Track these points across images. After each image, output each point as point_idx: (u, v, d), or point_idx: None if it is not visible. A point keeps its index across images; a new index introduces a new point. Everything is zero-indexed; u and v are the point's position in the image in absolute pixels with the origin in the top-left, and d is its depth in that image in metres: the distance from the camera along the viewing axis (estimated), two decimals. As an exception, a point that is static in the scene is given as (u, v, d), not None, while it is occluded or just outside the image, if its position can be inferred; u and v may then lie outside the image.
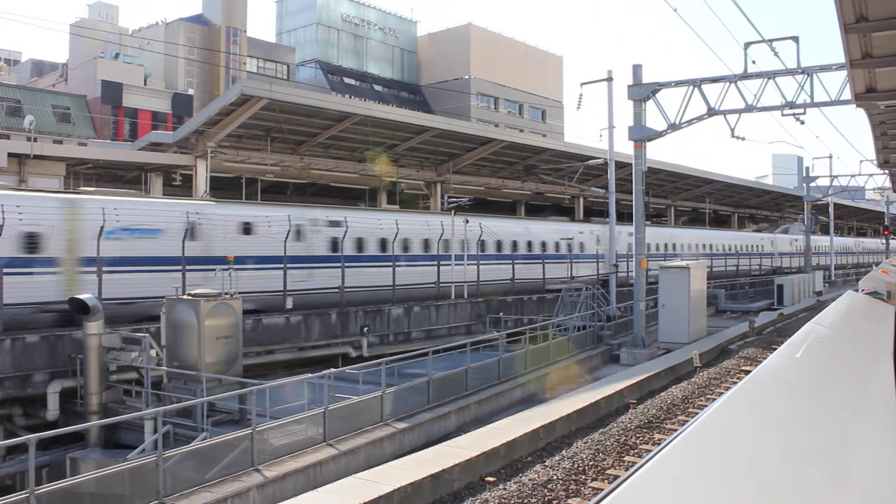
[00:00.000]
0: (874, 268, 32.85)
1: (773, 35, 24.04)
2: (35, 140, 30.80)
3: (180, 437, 15.31)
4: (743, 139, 26.72)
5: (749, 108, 24.34)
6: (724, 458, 4.45)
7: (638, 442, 14.63)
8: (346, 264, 25.55)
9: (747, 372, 20.49)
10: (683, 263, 29.38)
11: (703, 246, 53.15)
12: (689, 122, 25.10)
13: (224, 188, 33.52)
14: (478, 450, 13.38)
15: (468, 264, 30.63)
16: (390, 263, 27.19)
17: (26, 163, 27.36)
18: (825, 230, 71.90)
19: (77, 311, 17.39)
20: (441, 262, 29.50)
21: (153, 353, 17.31)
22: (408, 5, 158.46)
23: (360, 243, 27.51)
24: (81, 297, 17.30)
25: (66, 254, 20.04)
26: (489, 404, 19.07)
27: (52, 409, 17.62)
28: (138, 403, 17.56)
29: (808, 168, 58.60)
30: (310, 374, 16.06)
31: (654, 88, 25.62)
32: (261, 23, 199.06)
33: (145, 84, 54.44)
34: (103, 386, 17.43)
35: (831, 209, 65.60)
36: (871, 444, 5.89)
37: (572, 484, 12.12)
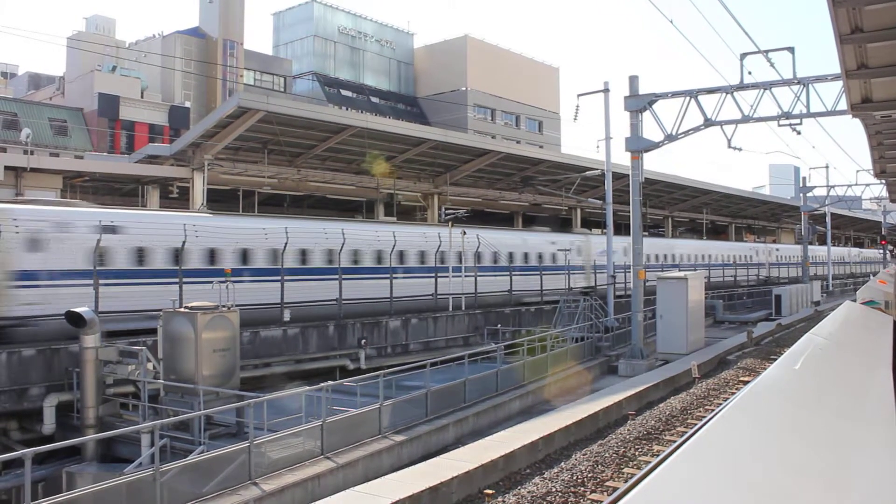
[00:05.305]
0: (871, 278, 32.89)
1: (768, 46, 24.22)
2: (32, 153, 30.80)
3: (177, 450, 15.24)
4: (740, 150, 26.83)
5: (745, 119, 24.41)
6: (725, 471, 4.43)
7: (637, 453, 14.58)
8: (344, 276, 25.51)
9: (746, 383, 20.49)
10: (681, 274, 29.37)
11: (701, 256, 53.10)
12: (686, 133, 25.17)
13: (221, 200, 33.50)
14: (476, 462, 13.33)
15: (466, 276, 30.59)
16: (388, 275, 27.13)
17: (23, 176, 27.34)
18: (822, 240, 72.06)
19: (73, 325, 17.31)
20: (439, 274, 29.45)
21: (150, 366, 17.24)
22: (404, 17, 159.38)
23: (357, 255, 27.47)
24: (78, 310, 17.24)
25: None
26: (487, 416, 19.02)
27: (49, 423, 17.53)
28: (135, 417, 17.49)
29: (804, 178, 58.78)
30: (307, 387, 16.00)
31: (651, 99, 25.69)
32: (258, 35, 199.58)
33: (142, 97, 54.49)
34: (100, 399, 17.35)
35: (828, 219, 65.67)
36: (870, 455, 5.87)
37: (571, 496, 12.06)
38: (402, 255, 28.98)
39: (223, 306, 17.72)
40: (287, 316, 23.44)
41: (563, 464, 14.00)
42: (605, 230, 33.69)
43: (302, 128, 30.09)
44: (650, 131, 26.21)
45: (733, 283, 54.48)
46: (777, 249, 70.67)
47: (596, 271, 38.97)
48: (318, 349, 23.91)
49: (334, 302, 24.96)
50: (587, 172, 38.80)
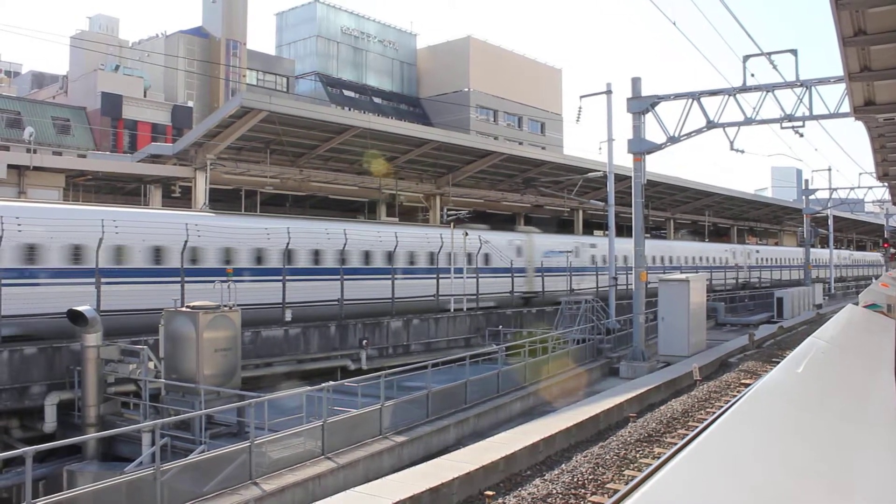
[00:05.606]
0: (873, 281, 32.86)
1: (771, 48, 24.16)
2: (35, 152, 30.80)
3: (178, 449, 15.23)
4: (742, 152, 26.81)
5: (748, 121, 24.40)
6: (729, 474, 4.42)
7: (638, 456, 14.57)
8: (346, 277, 25.50)
9: (747, 385, 20.47)
10: (683, 276, 29.33)
11: (669, 259, 51.55)
12: (689, 135, 25.16)
13: (223, 200, 33.48)
14: (477, 463, 13.31)
15: (467, 277, 30.57)
16: (389, 276, 27.12)
17: (26, 174, 27.36)
18: (823, 242, 71.82)
19: (75, 323, 17.31)
20: (440, 275, 29.42)
21: (151, 365, 17.24)
22: (407, 18, 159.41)
23: (359, 256, 27.46)
24: (80, 308, 17.23)
25: None
26: (488, 417, 19.00)
27: (50, 422, 17.53)
28: (136, 416, 17.48)
29: (807, 181, 58.72)
30: (308, 387, 16.00)
31: (654, 101, 25.68)
32: (261, 35, 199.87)
33: (145, 96, 54.51)
34: (101, 398, 17.34)
35: (830, 222, 65.58)
36: (873, 457, 5.86)
37: (572, 498, 12.06)
38: (404, 256, 28.96)
39: (224, 306, 17.72)
40: (288, 316, 23.45)
41: (563, 465, 14.00)
42: (606, 231, 33.65)
43: (304, 128, 30.08)
44: (653, 133, 26.22)
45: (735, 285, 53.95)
46: (758, 251, 67.65)
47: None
48: (319, 349, 23.91)
49: (336, 302, 24.95)
50: (589, 174, 38.76)
